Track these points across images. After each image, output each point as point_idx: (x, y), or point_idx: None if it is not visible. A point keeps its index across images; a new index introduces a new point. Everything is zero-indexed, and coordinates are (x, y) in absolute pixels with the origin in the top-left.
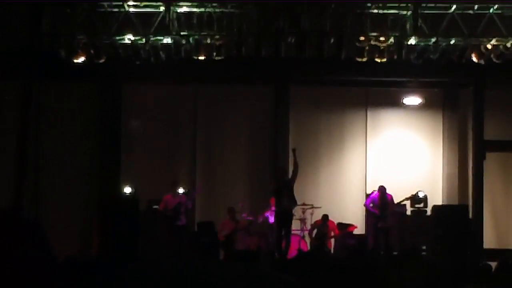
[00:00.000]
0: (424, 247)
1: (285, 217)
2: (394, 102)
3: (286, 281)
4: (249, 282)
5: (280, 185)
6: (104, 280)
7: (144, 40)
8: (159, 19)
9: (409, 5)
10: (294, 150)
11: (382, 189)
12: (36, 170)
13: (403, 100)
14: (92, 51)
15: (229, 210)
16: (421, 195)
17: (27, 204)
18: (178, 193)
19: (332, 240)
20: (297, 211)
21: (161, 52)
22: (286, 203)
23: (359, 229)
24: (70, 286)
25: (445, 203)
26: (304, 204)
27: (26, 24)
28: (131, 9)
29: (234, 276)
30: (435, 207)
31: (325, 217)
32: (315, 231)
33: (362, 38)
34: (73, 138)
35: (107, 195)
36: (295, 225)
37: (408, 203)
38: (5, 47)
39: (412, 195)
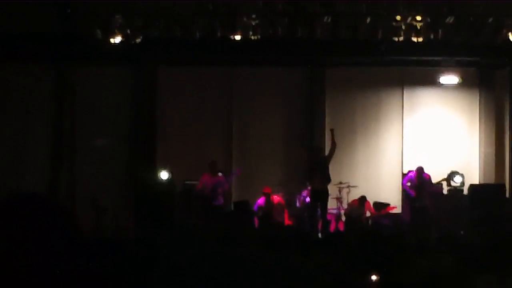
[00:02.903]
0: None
1: (320, 196)
2: (430, 81)
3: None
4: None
5: (315, 163)
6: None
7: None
8: None
9: None
10: (332, 130)
11: (419, 170)
12: (72, 155)
13: (440, 79)
14: (128, 31)
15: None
16: (457, 175)
17: (63, 189)
18: (217, 173)
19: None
20: (333, 190)
21: (197, 32)
22: (320, 181)
23: (396, 208)
24: (97, 266)
25: (481, 182)
26: (340, 183)
27: (60, 6)
28: None
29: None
30: (471, 187)
31: (363, 198)
32: (351, 210)
33: (398, 18)
34: (108, 121)
35: (143, 177)
36: (332, 204)
37: (444, 182)
38: (39, 31)
39: (448, 174)
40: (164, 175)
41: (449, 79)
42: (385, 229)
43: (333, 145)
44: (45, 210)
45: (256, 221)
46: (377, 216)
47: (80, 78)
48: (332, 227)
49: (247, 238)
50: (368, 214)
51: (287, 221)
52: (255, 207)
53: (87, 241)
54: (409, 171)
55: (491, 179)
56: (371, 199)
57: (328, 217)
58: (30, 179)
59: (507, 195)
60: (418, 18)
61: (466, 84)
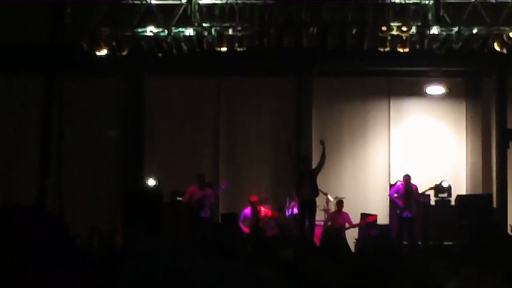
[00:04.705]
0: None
1: (307, 207)
2: (417, 92)
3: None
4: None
5: (303, 175)
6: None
7: (166, 32)
8: (181, 11)
9: None
10: (322, 142)
11: (407, 178)
12: (59, 165)
13: (426, 89)
14: (114, 44)
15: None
16: (445, 184)
17: (50, 198)
18: (204, 186)
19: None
20: (321, 202)
21: (183, 44)
22: (308, 192)
23: (383, 219)
24: (93, 279)
25: (469, 192)
26: (327, 195)
27: (48, 18)
28: (153, 1)
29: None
30: (459, 197)
31: (340, 203)
32: (329, 223)
33: (384, 28)
34: (96, 132)
35: (131, 188)
36: (320, 216)
37: (432, 193)
38: (28, 41)
39: (436, 185)
40: (151, 185)
41: (436, 89)
42: (373, 240)
43: (323, 158)
44: (36, 222)
45: (242, 231)
46: (362, 226)
47: (68, 88)
48: (319, 238)
49: (234, 249)
50: (346, 225)
51: (274, 232)
52: (241, 217)
53: (78, 252)
54: (396, 182)
55: (478, 189)
56: (358, 211)
57: (316, 228)
58: (18, 189)
59: (495, 205)
60: (404, 28)
61: (452, 94)
